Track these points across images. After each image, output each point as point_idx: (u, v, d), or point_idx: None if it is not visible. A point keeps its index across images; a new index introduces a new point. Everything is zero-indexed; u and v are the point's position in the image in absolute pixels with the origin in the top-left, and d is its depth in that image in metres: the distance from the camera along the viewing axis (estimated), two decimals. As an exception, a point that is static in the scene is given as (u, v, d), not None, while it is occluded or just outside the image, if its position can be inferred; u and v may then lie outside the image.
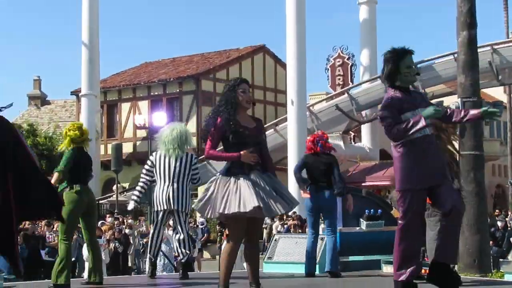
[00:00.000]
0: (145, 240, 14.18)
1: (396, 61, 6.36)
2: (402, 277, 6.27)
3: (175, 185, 8.79)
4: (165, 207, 8.78)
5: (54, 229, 13.53)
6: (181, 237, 8.93)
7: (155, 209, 8.99)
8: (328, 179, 9.16)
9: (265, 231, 23.40)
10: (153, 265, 9.15)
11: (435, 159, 6.25)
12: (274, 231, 18.48)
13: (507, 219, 20.39)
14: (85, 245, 13.34)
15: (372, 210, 10.24)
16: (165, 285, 8.92)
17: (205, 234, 21.73)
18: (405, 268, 6.26)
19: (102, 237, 13.54)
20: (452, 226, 6.37)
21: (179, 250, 9.04)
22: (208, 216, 6.31)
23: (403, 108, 6.27)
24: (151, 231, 9.45)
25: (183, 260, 9.11)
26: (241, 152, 5.86)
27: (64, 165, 8.09)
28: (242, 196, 5.82)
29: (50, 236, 13.81)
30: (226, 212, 5.86)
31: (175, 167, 8.83)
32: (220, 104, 6.16)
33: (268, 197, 5.88)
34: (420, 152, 6.17)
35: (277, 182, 6.07)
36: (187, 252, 9.03)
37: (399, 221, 6.40)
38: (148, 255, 9.27)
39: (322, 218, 9.74)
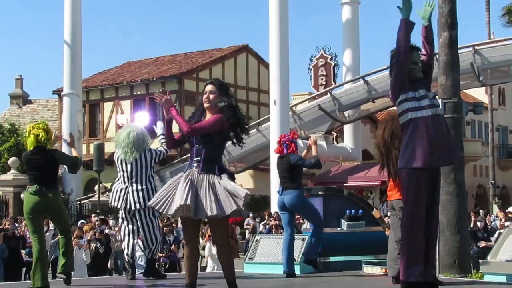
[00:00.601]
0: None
1: None
2: (412, 279, 6.26)
3: (134, 186, 8.88)
4: (123, 206, 8.85)
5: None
6: (145, 236, 8.99)
7: (113, 205, 9.08)
8: (293, 179, 9.24)
9: (247, 232, 23.43)
10: (131, 266, 9.07)
11: (441, 140, 6.25)
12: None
13: (487, 218, 20.47)
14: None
15: (353, 211, 10.25)
16: (142, 286, 8.85)
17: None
18: (414, 268, 6.28)
19: (83, 238, 13.46)
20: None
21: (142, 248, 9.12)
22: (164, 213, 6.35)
23: (405, 87, 6.38)
24: (121, 231, 9.45)
25: (149, 257, 9.11)
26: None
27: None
28: (173, 197, 5.95)
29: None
30: (165, 212, 6.06)
31: (131, 169, 8.92)
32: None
33: (199, 199, 5.90)
34: (426, 130, 6.20)
35: (224, 186, 6.02)
36: (150, 246, 9.01)
37: (403, 216, 6.42)
38: (125, 256, 9.20)
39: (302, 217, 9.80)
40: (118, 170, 9.07)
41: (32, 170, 8.09)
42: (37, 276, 7.77)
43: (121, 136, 9.03)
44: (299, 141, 30.11)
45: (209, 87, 6.24)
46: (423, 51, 6.63)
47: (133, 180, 8.87)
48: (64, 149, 31.93)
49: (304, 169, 9.91)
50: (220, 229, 6.15)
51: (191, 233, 6.25)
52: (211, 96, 6.17)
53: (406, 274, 6.34)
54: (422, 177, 6.26)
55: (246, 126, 6.36)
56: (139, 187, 8.85)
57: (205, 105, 6.22)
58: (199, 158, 6.07)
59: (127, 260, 9.09)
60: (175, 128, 6.12)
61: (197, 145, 6.12)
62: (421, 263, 6.32)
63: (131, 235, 9.01)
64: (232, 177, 6.12)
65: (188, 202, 5.81)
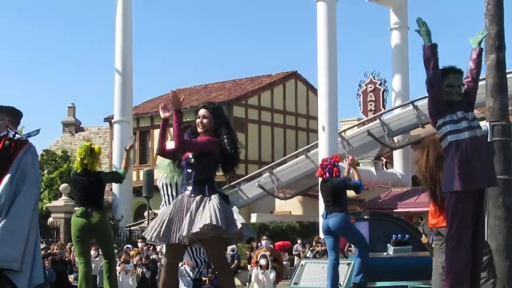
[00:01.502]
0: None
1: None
2: None
3: None
4: None
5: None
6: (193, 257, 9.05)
7: None
8: (337, 202, 9.19)
9: (296, 258, 23.32)
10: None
11: (481, 162, 6.20)
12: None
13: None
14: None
15: (399, 235, 10.17)
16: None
17: (235, 261, 21.62)
18: None
19: (130, 262, 13.57)
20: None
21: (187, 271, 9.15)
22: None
23: (442, 109, 6.34)
24: None
25: (197, 276, 9.18)
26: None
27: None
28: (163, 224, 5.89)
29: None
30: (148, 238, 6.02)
31: (177, 193, 8.88)
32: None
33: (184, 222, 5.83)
34: (465, 153, 6.15)
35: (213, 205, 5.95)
36: (198, 265, 9.03)
37: (447, 240, 6.36)
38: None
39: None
40: (162, 194, 9.13)
41: (78, 191, 8.23)
42: None
43: (166, 161, 9.10)
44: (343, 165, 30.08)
45: (202, 112, 6.12)
46: (468, 74, 6.61)
47: None
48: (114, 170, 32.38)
49: (354, 194, 9.88)
50: (217, 253, 6.10)
51: (174, 257, 6.16)
52: (205, 121, 6.06)
53: None
54: (465, 201, 6.19)
55: (238, 158, 6.23)
56: None
57: (199, 130, 6.11)
58: (189, 181, 6.02)
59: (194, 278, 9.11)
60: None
61: (188, 169, 6.07)
62: (467, 285, 6.23)
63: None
64: (225, 199, 6.05)
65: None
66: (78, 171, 8.38)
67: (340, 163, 9.76)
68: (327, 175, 9.36)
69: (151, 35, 78.10)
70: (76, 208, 8.26)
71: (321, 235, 23.54)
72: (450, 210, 6.33)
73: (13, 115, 6.22)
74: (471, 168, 6.14)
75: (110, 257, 8.44)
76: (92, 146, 8.61)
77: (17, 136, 6.12)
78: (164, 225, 5.82)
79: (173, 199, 8.90)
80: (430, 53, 6.36)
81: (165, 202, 9.09)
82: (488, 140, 10.09)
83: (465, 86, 6.67)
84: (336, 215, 9.16)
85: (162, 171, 9.17)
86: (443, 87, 6.44)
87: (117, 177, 8.73)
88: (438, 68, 6.38)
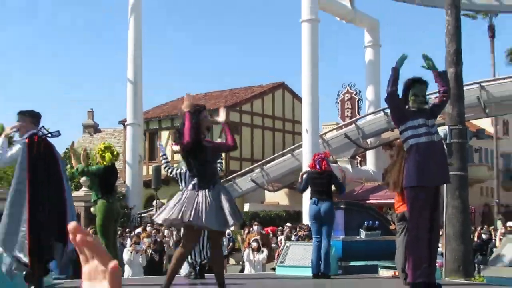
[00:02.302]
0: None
1: (406, 89, 6.49)
2: (419, 279, 6.25)
3: None
4: None
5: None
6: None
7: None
8: (329, 192, 9.20)
9: (283, 241, 23.27)
10: (194, 267, 9.02)
11: (437, 162, 6.29)
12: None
13: (493, 234, 20.19)
14: (125, 249, 13.41)
15: (370, 222, 10.21)
16: (193, 285, 8.87)
17: (230, 243, 21.63)
18: (420, 270, 6.26)
19: (141, 243, 13.55)
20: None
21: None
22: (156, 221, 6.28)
23: (405, 115, 6.39)
24: None
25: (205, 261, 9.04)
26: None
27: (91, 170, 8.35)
28: (195, 208, 5.80)
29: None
30: (168, 217, 5.90)
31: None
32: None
33: (213, 212, 5.81)
34: (423, 154, 6.24)
35: (228, 201, 5.99)
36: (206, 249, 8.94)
37: (409, 227, 6.44)
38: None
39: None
40: (181, 182, 9.03)
41: (106, 183, 8.27)
42: None
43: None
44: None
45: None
46: (438, 92, 6.72)
47: None
48: (128, 173, 32.38)
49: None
50: (221, 236, 6.21)
51: (192, 239, 6.17)
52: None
53: (414, 276, 6.31)
54: (422, 195, 6.29)
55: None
56: None
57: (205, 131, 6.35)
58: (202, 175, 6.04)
59: (190, 262, 8.99)
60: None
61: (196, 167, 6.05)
62: (426, 266, 6.30)
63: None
64: (225, 191, 6.12)
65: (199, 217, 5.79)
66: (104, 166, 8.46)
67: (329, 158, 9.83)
68: (317, 167, 9.36)
69: (160, 49, 78.06)
70: (101, 199, 8.30)
71: (305, 222, 23.63)
72: (409, 202, 6.40)
73: (33, 117, 6.26)
74: (428, 168, 6.24)
75: (116, 234, 8.55)
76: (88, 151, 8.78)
77: (43, 132, 6.16)
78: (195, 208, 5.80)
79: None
80: (393, 76, 6.44)
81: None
82: (447, 142, 10.16)
83: (437, 99, 6.74)
84: (327, 203, 9.13)
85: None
86: (409, 96, 6.49)
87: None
88: (392, 88, 6.46)
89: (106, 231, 8.22)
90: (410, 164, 6.32)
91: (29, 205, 5.60)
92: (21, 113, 6.24)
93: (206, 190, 5.87)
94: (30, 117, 6.19)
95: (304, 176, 9.73)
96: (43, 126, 6.18)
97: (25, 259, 5.59)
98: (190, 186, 5.98)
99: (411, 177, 6.28)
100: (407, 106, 6.53)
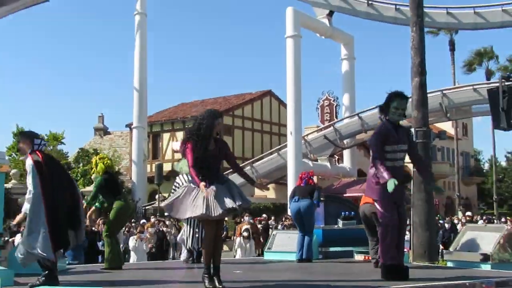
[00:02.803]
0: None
1: (388, 101, 6.39)
2: (390, 261, 6.26)
3: None
4: None
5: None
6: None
7: None
8: (309, 196, 9.14)
9: (270, 231, 23.23)
10: (190, 252, 8.94)
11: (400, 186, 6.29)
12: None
13: (453, 218, 20.30)
14: (131, 237, 13.35)
15: (347, 212, 10.19)
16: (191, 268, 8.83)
17: (224, 232, 21.55)
18: (391, 253, 6.27)
19: (144, 232, 13.50)
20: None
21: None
22: (176, 216, 6.05)
23: (388, 139, 6.28)
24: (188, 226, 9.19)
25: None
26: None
27: (94, 199, 8.15)
28: (209, 203, 5.58)
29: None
30: (194, 215, 5.66)
31: None
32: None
33: (226, 199, 5.63)
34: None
35: (233, 187, 5.83)
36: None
37: (380, 224, 6.37)
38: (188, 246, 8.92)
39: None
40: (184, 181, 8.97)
41: (113, 188, 8.17)
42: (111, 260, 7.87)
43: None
44: (309, 162, 30.13)
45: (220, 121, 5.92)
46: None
47: None
48: (134, 170, 32.24)
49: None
50: (222, 225, 6.13)
51: (216, 229, 5.90)
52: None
53: (385, 258, 6.30)
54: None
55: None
56: None
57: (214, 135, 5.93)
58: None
59: (188, 248, 8.87)
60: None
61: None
62: (395, 250, 6.30)
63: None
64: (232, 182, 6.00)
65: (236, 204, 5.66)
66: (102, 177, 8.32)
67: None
68: (303, 184, 9.33)
69: (163, 62, 77.88)
70: (116, 200, 8.18)
71: (289, 213, 23.63)
72: (381, 210, 6.37)
73: (32, 137, 6.08)
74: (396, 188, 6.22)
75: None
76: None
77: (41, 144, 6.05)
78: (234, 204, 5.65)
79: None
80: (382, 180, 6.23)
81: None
82: (415, 141, 10.12)
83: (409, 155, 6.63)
84: (306, 201, 9.08)
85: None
86: (390, 108, 6.42)
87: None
88: None
89: (115, 229, 8.14)
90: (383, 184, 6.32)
91: (46, 208, 5.57)
92: (22, 134, 6.12)
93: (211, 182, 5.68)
94: (29, 138, 6.02)
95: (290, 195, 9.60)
96: (42, 139, 6.08)
97: (41, 252, 5.55)
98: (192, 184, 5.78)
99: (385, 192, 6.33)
100: (387, 117, 6.45)
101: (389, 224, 6.28)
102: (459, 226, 18.04)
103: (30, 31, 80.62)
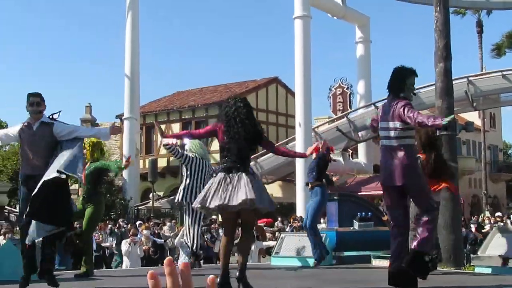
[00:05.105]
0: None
1: (404, 77, 6.43)
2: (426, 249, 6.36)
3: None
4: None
5: (96, 229, 13.48)
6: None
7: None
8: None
9: (276, 233, 23.26)
10: (194, 256, 8.97)
11: (385, 167, 6.49)
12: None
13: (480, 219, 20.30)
14: (124, 241, 13.37)
15: (363, 213, 10.20)
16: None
17: (255, 233, 21.50)
18: (397, 261, 6.30)
19: (139, 235, 13.52)
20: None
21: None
22: (202, 207, 6.12)
23: None
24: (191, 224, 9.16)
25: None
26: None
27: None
28: (232, 191, 5.78)
29: (95, 234, 13.77)
30: (212, 206, 5.81)
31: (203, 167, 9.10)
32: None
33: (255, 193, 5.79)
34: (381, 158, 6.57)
35: (260, 187, 6.02)
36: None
37: (435, 209, 6.57)
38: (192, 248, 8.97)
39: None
40: (194, 170, 9.08)
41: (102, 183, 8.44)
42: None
43: (198, 145, 9.26)
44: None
45: None
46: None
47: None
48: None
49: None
50: (251, 220, 6.19)
51: (231, 227, 6.14)
52: None
53: (427, 247, 6.40)
54: (386, 190, 6.56)
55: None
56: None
57: None
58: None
59: (195, 250, 8.93)
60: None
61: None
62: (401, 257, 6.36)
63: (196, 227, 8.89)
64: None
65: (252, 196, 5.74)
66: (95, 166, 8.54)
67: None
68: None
69: (156, 46, 77.91)
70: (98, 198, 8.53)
71: (298, 214, 23.63)
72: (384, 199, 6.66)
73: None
74: (382, 170, 6.56)
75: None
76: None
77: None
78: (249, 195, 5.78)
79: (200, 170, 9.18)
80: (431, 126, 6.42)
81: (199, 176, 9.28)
82: (437, 134, 10.09)
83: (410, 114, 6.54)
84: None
85: (199, 152, 9.34)
86: (407, 85, 6.49)
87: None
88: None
89: (89, 234, 8.53)
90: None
91: None
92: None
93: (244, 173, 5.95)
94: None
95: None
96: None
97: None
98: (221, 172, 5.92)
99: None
100: (401, 94, 6.48)
101: (395, 223, 6.45)
102: (487, 227, 18.04)
103: (7, 10, 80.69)
